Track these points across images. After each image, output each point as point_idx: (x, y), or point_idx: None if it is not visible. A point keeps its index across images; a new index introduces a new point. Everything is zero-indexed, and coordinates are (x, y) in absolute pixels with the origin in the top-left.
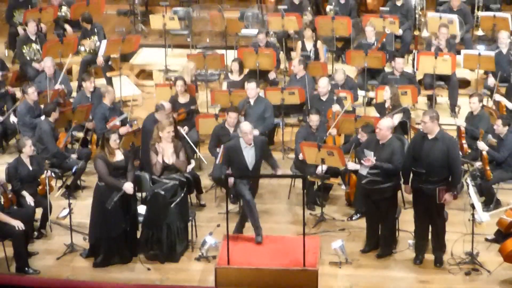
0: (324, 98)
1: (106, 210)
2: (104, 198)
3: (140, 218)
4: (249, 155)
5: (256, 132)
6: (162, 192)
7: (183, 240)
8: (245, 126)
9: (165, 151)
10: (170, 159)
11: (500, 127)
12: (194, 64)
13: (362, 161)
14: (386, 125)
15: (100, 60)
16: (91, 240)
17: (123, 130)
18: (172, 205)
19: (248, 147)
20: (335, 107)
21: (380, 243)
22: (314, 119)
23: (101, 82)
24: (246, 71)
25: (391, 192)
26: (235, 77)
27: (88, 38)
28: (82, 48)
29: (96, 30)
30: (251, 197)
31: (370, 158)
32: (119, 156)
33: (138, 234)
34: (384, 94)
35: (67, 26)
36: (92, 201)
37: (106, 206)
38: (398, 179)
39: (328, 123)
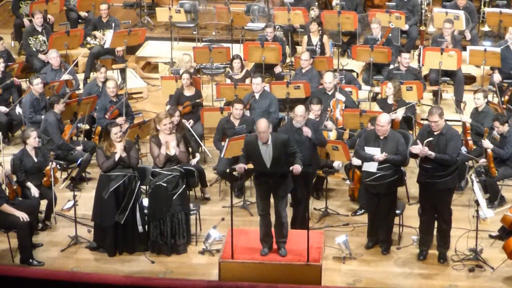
0: (329, 93)
1: (103, 199)
2: (102, 187)
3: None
4: (266, 153)
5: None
6: (165, 184)
7: (185, 231)
8: (261, 124)
9: (168, 143)
10: (173, 150)
11: (500, 127)
12: (190, 57)
13: (374, 158)
14: (387, 121)
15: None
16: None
17: (120, 120)
18: (175, 197)
19: (264, 145)
20: (339, 96)
21: (382, 238)
22: (315, 109)
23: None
24: (245, 69)
25: (394, 187)
26: (236, 74)
27: (101, 30)
28: (88, 39)
29: (113, 24)
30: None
31: (380, 154)
32: (120, 149)
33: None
34: (387, 90)
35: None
36: (95, 189)
37: (102, 196)
38: (403, 173)
39: (332, 114)
